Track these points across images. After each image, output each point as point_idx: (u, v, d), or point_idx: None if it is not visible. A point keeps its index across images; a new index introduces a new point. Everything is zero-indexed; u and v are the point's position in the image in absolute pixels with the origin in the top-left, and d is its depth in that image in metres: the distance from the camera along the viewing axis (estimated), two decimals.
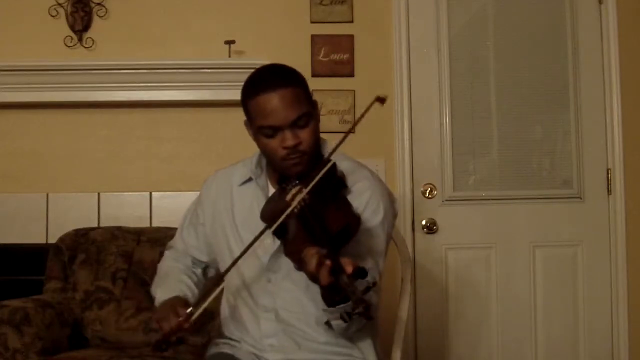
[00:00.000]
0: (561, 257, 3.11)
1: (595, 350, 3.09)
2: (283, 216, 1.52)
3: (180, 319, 1.56)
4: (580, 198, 3.12)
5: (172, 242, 1.96)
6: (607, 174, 3.11)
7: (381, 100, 1.57)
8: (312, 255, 1.40)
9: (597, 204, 3.12)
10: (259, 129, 1.64)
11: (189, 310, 1.57)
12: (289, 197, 1.56)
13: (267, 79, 1.64)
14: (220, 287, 1.60)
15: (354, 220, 1.49)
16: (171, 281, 1.81)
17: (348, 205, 1.53)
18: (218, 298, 1.84)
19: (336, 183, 1.59)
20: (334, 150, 1.62)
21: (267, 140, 1.65)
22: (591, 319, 3.10)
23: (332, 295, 1.46)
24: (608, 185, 3.11)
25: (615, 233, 3.09)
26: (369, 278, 1.37)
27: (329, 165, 1.55)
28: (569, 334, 3.09)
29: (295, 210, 1.52)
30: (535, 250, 3.10)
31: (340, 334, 1.67)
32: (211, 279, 1.92)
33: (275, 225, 1.53)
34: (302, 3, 3.06)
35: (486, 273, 3.09)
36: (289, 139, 1.61)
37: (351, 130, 1.61)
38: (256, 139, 1.69)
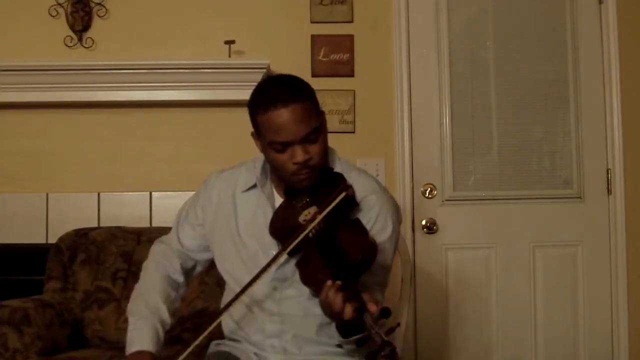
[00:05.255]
0: (561, 257, 3.11)
1: (595, 350, 3.09)
2: (297, 241, 1.55)
3: None
4: (580, 198, 3.12)
5: (166, 239, 1.91)
6: (607, 174, 3.11)
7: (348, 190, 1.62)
8: (336, 292, 1.42)
9: (597, 204, 3.12)
10: (269, 144, 1.64)
11: None
12: (301, 217, 1.60)
13: (278, 93, 1.62)
14: (207, 332, 1.58)
15: (371, 248, 1.52)
16: (147, 313, 1.73)
17: (364, 231, 1.54)
18: (217, 297, 1.85)
19: (349, 203, 1.62)
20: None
21: (277, 155, 1.64)
22: (591, 319, 3.09)
23: (350, 329, 1.47)
24: (608, 185, 3.11)
25: (615, 233, 3.09)
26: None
27: (344, 194, 1.58)
28: (569, 334, 3.09)
29: (310, 234, 1.55)
30: (535, 250, 3.10)
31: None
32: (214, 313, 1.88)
33: (289, 248, 1.56)
34: (302, 3, 3.06)
35: (486, 273, 3.09)
36: (299, 154, 1.61)
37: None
38: (265, 152, 1.69)
